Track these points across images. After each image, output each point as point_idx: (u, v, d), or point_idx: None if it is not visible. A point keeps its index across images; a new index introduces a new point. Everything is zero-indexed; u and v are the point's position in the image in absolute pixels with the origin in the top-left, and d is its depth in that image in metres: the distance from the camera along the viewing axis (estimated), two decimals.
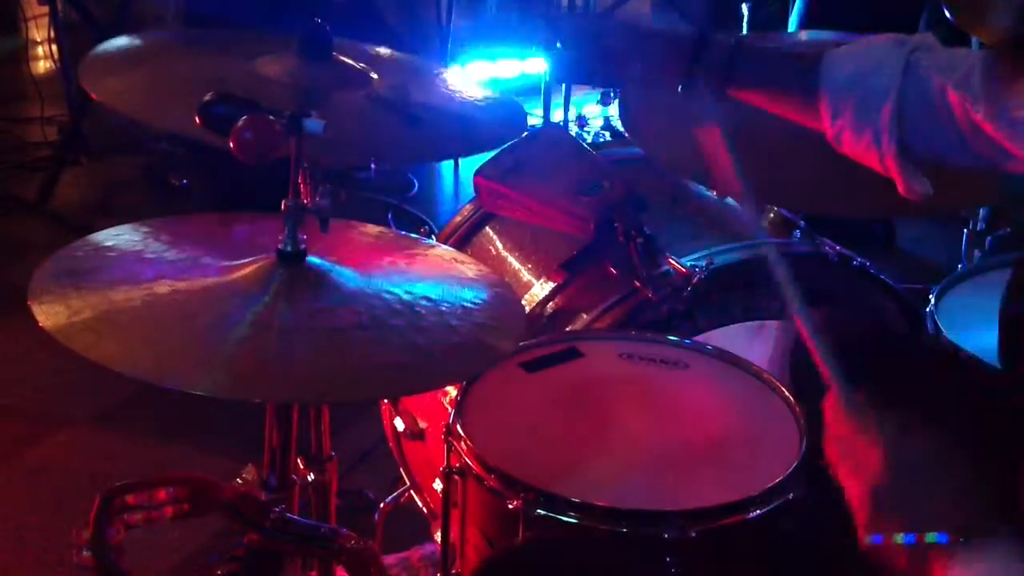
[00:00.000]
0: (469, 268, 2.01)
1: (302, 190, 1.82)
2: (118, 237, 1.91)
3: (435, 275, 1.93)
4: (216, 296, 1.75)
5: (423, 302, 1.82)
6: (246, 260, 1.80)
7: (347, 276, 1.82)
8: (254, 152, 1.69)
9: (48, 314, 1.67)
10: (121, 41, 2.32)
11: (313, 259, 1.81)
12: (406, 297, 1.82)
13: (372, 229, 2.08)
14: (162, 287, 1.75)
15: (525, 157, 2.45)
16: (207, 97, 1.76)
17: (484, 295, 1.91)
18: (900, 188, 1.75)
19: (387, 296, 1.81)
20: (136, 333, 1.68)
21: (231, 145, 1.70)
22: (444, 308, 1.82)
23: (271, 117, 1.72)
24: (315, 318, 1.73)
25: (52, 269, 1.78)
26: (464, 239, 2.61)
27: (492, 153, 2.47)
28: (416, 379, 1.75)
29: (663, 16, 5.38)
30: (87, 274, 1.78)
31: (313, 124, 1.75)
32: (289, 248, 1.79)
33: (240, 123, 1.69)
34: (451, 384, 2.03)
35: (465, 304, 1.86)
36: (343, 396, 1.70)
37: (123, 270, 1.80)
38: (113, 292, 1.74)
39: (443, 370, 1.77)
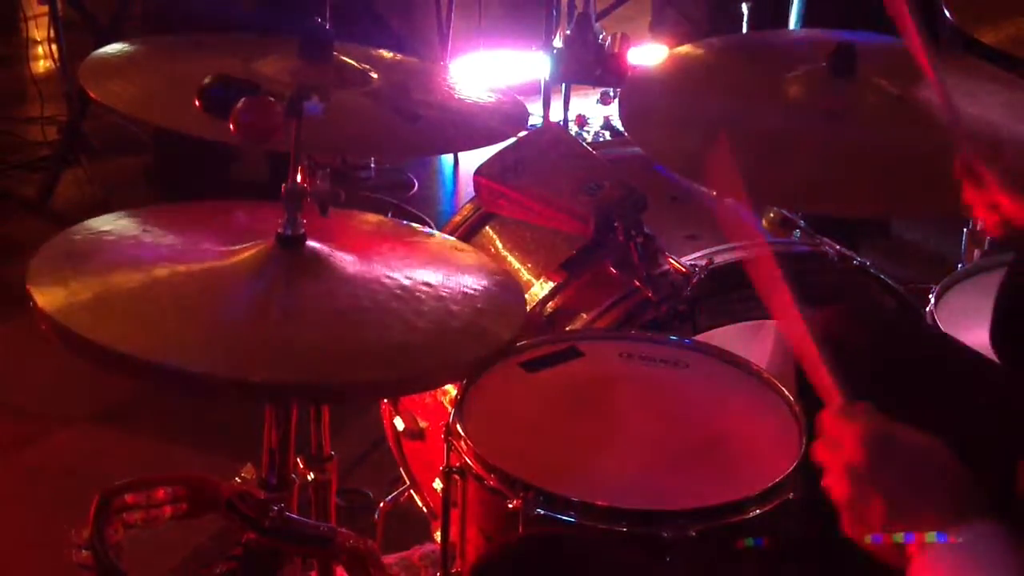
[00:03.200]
0: (468, 256, 2.01)
1: (301, 175, 1.82)
2: (117, 222, 1.91)
3: (435, 262, 1.93)
4: (215, 279, 1.75)
5: (423, 287, 1.82)
6: (246, 244, 1.80)
7: (347, 261, 1.82)
8: (254, 134, 1.69)
9: (47, 296, 1.67)
10: (121, 43, 2.33)
11: (313, 243, 1.81)
12: (406, 282, 1.82)
13: (371, 218, 2.08)
14: (161, 270, 1.75)
15: (525, 157, 2.44)
16: (206, 80, 1.76)
17: (484, 282, 1.90)
18: None
19: (387, 281, 1.81)
20: (135, 315, 1.68)
21: (231, 127, 1.69)
22: (444, 293, 1.82)
23: (271, 99, 1.71)
24: (315, 301, 1.73)
25: (51, 253, 1.78)
26: (464, 238, 2.61)
27: (492, 152, 2.47)
28: (416, 363, 1.74)
29: (664, 16, 5.37)
30: (86, 257, 1.78)
31: (313, 106, 1.74)
32: (289, 232, 1.79)
33: (240, 105, 1.69)
34: (452, 371, 2.03)
35: (465, 290, 1.86)
36: (342, 379, 1.69)
37: (122, 253, 1.80)
38: (112, 275, 1.74)
39: (444, 354, 1.76)
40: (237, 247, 1.80)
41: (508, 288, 1.94)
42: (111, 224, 1.89)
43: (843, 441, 1.38)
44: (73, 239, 1.83)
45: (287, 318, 1.69)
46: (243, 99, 1.70)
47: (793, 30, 3.89)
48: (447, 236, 2.18)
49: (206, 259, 1.78)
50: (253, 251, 1.78)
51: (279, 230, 1.78)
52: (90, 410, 3.40)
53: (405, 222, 2.14)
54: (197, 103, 1.75)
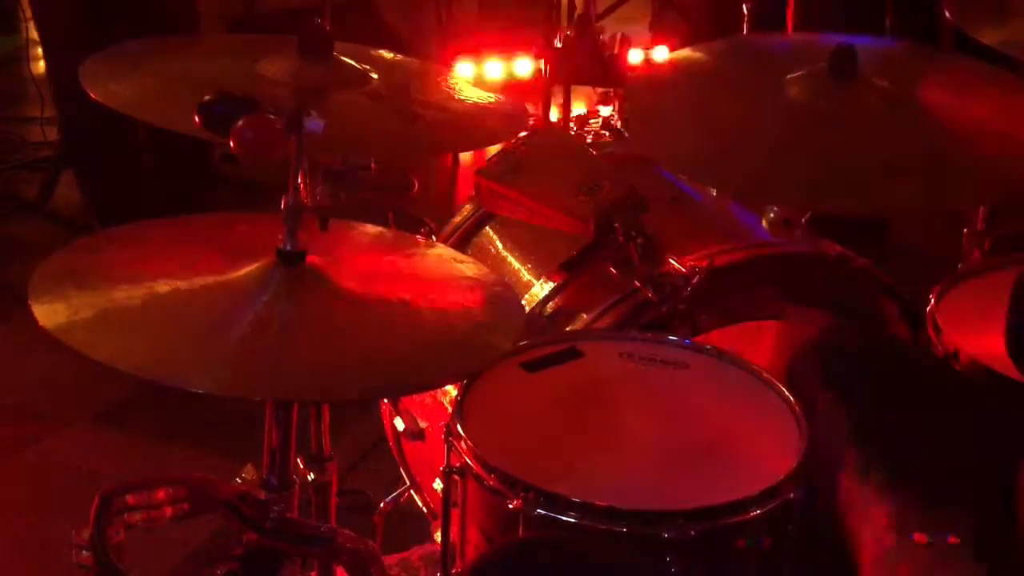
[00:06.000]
0: (468, 268, 2.01)
1: (301, 189, 1.82)
2: (117, 238, 1.91)
3: (434, 275, 1.93)
4: (216, 295, 1.75)
5: (423, 301, 1.82)
6: (246, 259, 1.80)
7: (347, 276, 1.82)
8: (255, 151, 1.69)
9: (48, 313, 1.68)
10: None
11: (313, 258, 1.81)
12: (406, 296, 1.82)
13: (371, 229, 2.08)
14: (162, 286, 1.76)
15: (525, 157, 2.45)
16: (207, 97, 1.77)
17: (483, 294, 1.91)
18: None
19: (387, 295, 1.81)
20: (137, 332, 1.69)
21: (232, 144, 1.70)
22: (444, 307, 1.82)
23: (271, 116, 1.72)
24: (315, 317, 1.73)
25: (52, 268, 1.78)
26: (464, 239, 2.61)
27: (492, 153, 2.47)
28: (416, 377, 1.75)
29: (664, 16, 5.37)
30: (87, 273, 1.78)
31: (313, 123, 1.75)
32: (289, 247, 1.79)
33: (240, 122, 1.70)
34: (451, 383, 2.03)
35: (465, 303, 1.86)
36: (343, 394, 1.70)
37: (123, 269, 1.80)
38: (113, 291, 1.74)
39: (443, 368, 1.77)
40: (237, 263, 1.80)
41: (507, 300, 1.95)
42: (111, 239, 1.90)
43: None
44: (74, 255, 1.83)
45: (288, 335, 1.70)
46: (243, 117, 1.70)
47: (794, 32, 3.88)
48: (446, 247, 2.18)
49: (207, 275, 1.79)
50: (253, 267, 1.79)
51: (279, 245, 1.79)
52: (90, 410, 3.41)
53: (404, 232, 2.14)
54: (197, 120, 1.76)
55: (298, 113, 1.74)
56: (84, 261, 1.82)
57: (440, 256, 2.05)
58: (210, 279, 1.78)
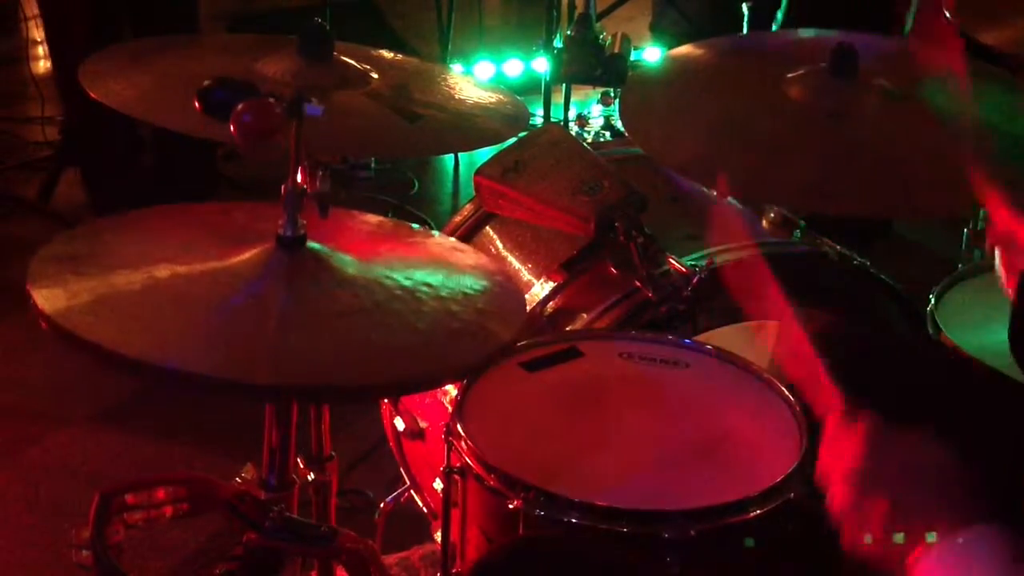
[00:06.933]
0: (468, 256, 2.01)
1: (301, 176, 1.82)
2: (117, 223, 1.91)
3: (435, 262, 1.94)
4: (216, 280, 1.75)
5: (423, 288, 1.82)
6: (246, 245, 1.80)
7: (347, 262, 1.82)
8: (255, 136, 1.69)
9: (47, 298, 1.68)
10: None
11: (313, 244, 1.81)
12: (406, 283, 1.82)
13: (372, 218, 2.08)
14: (162, 271, 1.76)
15: (525, 157, 2.45)
16: (206, 83, 1.76)
17: (484, 282, 1.91)
18: None
19: (387, 282, 1.81)
20: (136, 316, 1.69)
21: (231, 129, 1.69)
22: (444, 294, 1.82)
23: (270, 100, 1.71)
24: (315, 302, 1.73)
25: (51, 254, 1.78)
26: (464, 239, 2.61)
27: (492, 152, 2.47)
28: (417, 364, 1.75)
29: (664, 16, 5.37)
30: (86, 258, 1.78)
31: (313, 108, 1.74)
32: (289, 233, 1.79)
33: (240, 107, 1.69)
34: (452, 371, 2.03)
35: (465, 290, 1.86)
36: (343, 380, 1.69)
37: (122, 255, 1.80)
38: (112, 276, 1.74)
39: (444, 355, 1.77)
40: (237, 248, 1.80)
41: (508, 289, 1.95)
42: (111, 225, 1.90)
43: (846, 447, 1.38)
44: (73, 240, 1.83)
45: (288, 320, 1.69)
46: (243, 102, 1.70)
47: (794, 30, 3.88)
48: (447, 236, 2.18)
49: (207, 260, 1.79)
50: (254, 252, 1.79)
51: (279, 231, 1.79)
52: (90, 410, 3.40)
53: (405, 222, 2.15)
54: (197, 105, 1.75)
55: (298, 98, 1.74)
56: (83, 247, 1.82)
57: (440, 244, 2.05)
58: (210, 264, 1.78)
